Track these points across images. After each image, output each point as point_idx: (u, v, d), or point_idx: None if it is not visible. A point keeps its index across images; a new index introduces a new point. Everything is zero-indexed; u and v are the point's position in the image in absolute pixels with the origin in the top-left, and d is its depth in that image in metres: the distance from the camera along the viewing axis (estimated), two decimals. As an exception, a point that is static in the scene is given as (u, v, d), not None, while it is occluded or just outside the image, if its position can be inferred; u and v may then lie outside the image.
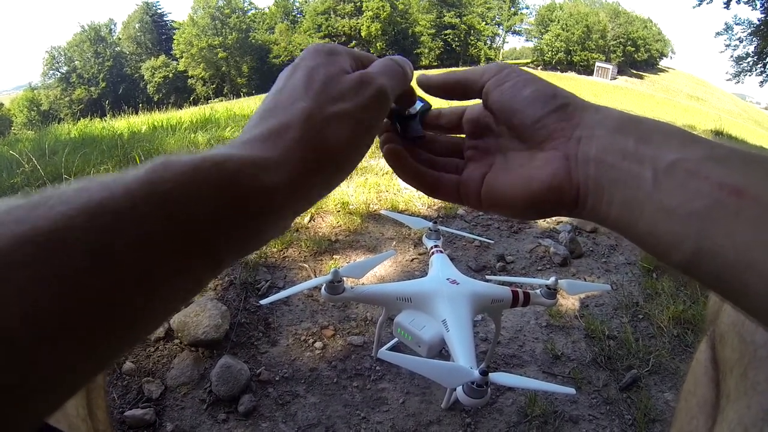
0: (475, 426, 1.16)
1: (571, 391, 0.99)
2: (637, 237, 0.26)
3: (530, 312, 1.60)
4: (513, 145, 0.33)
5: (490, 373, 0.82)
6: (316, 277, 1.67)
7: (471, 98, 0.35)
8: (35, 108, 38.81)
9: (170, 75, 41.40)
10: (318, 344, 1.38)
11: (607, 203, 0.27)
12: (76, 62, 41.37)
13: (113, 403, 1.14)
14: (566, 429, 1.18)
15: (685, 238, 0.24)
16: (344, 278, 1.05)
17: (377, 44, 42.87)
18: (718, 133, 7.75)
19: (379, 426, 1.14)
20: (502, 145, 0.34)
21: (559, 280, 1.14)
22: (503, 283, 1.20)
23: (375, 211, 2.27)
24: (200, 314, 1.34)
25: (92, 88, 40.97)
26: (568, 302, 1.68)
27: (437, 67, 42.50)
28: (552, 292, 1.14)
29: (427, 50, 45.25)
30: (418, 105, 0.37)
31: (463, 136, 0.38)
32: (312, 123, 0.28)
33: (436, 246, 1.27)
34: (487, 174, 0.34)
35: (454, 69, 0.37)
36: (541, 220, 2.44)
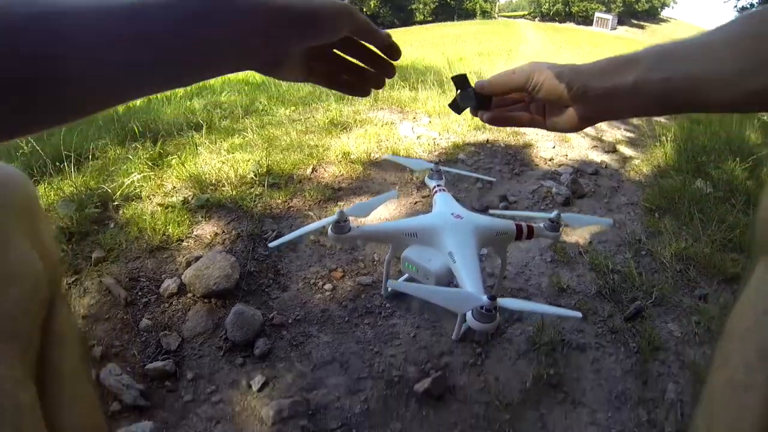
0: (486, 355, 1.19)
1: (578, 314, 0.99)
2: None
3: (535, 248, 1.62)
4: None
5: (498, 299, 0.84)
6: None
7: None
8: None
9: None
10: (328, 286, 1.41)
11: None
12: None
13: (134, 359, 1.17)
14: (573, 356, 1.21)
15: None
16: (350, 218, 1.05)
17: (370, 2, 41.59)
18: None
19: (392, 359, 1.17)
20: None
21: (561, 214, 1.15)
22: (507, 218, 1.21)
23: (377, 159, 2.27)
24: (210, 267, 1.36)
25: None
26: (572, 239, 1.70)
27: (431, 22, 41.36)
28: (555, 225, 1.15)
29: (421, 5, 43.95)
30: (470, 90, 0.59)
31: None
32: None
33: (438, 185, 1.27)
34: (546, 114, 0.57)
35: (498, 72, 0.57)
36: (541, 163, 2.44)
